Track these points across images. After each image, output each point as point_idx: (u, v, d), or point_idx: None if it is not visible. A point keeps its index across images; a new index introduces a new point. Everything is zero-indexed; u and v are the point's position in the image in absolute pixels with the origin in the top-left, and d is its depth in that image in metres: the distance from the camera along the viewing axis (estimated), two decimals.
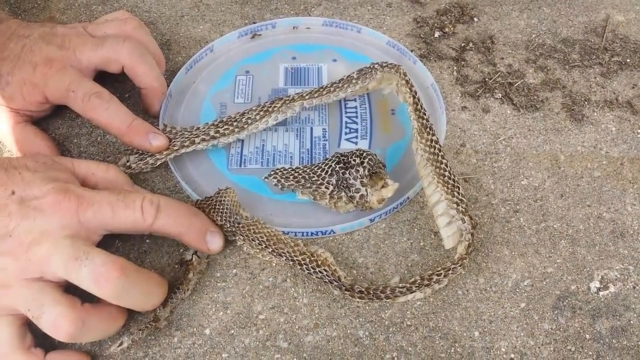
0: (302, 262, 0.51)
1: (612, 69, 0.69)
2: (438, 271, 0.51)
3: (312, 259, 0.51)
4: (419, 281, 0.51)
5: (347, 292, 0.50)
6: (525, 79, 0.68)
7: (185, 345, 0.49)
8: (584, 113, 0.65)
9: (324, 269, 0.50)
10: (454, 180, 0.53)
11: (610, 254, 0.55)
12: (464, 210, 0.52)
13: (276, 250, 0.51)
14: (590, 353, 0.49)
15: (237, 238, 0.53)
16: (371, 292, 0.51)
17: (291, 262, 0.51)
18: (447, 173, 0.53)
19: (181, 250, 0.54)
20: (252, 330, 0.50)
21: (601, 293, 0.52)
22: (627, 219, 0.57)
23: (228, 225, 0.53)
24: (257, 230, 0.52)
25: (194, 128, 0.59)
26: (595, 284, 0.53)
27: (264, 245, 0.52)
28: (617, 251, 0.55)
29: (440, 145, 0.55)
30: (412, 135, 0.56)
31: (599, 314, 0.51)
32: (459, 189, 0.53)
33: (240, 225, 0.53)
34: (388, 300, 0.51)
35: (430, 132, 0.55)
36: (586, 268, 0.54)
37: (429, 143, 0.55)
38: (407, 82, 0.58)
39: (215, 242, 0.52)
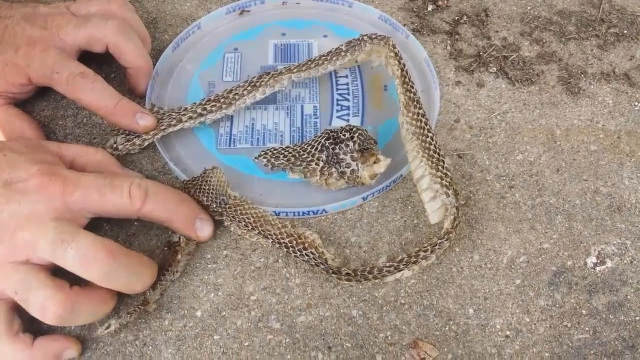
0: (289, 244, 0.50)
1: (609, 41, 0.68)
2: (424, 247, 0.50)
3: (299, 241, 0.50)
4: (406, 259, 0.50)
5: (334, 275, 0.49)
6: (521, 52, 0.67)
7: (176, 327, 0.49)
8: (580, 86, 0.64)
9: (311, 252, 0.50)
10: (438, 154, 0.52)
11: (607, 229, 0.54)
12: (447, 184, 0.51)
13: (263, 232, 0.51)
14: (587, 329, 0.49)
15: (224, 218, 0.52)
16: (358, 273, 0.50)
17: (278, 245, 0.50)
18: (432, 147, 0.52)
19: (170, 232, 0.53)
20: (244, 311, 0.49)
21: (598, 268, 0.52)
22: (624, 193, 0.56)
23: (215, 206, 0.52)
24: (244, 211, 0.51)
25: (181, 108, 0.58)
26: (591, 259, 0.52)
27: (251, 226, 0.51)
28: (614, 226, 0.54)
29: (427, 119, 0.54)
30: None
31: (596, 290, 0.50)
32: (443, 163, 0.52)
33: (227, 205, 0.52)
34: (376, 280, 0.50)
35: (417, 105, 0.54)
36: (583, 243, 0.53)
37: (415, 117, 0.54)
38: (396, 54, 0.57)
39: (204, 230, 0.51)
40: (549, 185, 0.56)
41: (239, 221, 0.51)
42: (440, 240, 0.50)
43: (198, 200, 0.52)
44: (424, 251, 0.50)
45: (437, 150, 0.53)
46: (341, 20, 0.69)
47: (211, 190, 0.52)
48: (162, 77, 0.64)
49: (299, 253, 0.50)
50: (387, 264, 0.50)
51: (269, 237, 0.50)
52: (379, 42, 0.58)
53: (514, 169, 0.57)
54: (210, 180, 0.52)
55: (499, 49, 0.67)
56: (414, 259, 0.50)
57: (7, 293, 0.44)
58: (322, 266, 0.49)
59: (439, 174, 0.52)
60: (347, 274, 0.50)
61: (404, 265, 0.50)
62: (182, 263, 0.51)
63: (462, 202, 0.55)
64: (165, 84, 0.63)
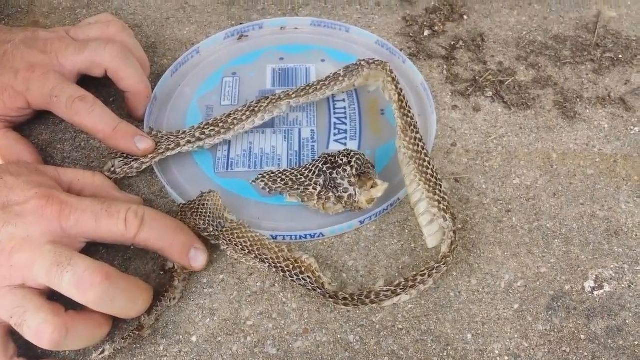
0: (286, 268, 0.50)
1: (604, 65, 0.68)
2: (422, 271, 0.50)
3: (296, 265, 0.50)
4: (403, 283, 0.50)
5: (331, 300, 0.49)
6: (516, 76, 0.67)
7: (171, 353, 0.48)
8: (576, 110, 0.64)
9: (308, 276, 0.49)
10: (436, 178, 0.52)
11: (604, 253, 0.54)
12: (445, 208, 0.51)
13: (259, 256, 0.50)
14: (586, 354, 0.48)
15: (220, 242, 0.51)
16: (355, 298, 0.49)
17: (274, 269, 0.50)
18: (429, 171, 0.53)
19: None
20: (240, 336, 0.49)
21: (596, 293, 0.51)
22: (621, 217, 0.56)
23: (211, 229, 0.51)
24: (241, 235, 0.51)
25: (179, 132, 0.58)
26: (589, 284, 0.52)
27: (248, 250, 0.51)
28: (612, 250, 0.54)
29: (424, 144, 0.54)
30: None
31: (594, 314, 0.50)
32: (440, 187, 0.52)
33: (224, 229, 0.52)
34: (373, 305, 0.50)
35: (415, 129, 0.55)
36: (580, 267, 0.53)
37: (412, 141, 0.54)
38: (393, 79, 0.58)
39: (198, 259, 0.51)
40: (546, 209, 0.56)
41: (235, 245, 0.51)
42: (437, 265, 0.50)
43: (195, 224, 0.52)
44: (422, 275, 0.50)
45: (435, 175, 0.53)
46: (339, 45, 0.69)
47: (208, 214, 0.52)
48: (161, 101, 0.64)
49: (295, 277, 0.50)
50: (385, 289, 0.50)
51: (266, 261, 0.50)
52: (376, 67, 0.59)
53: (511, 193, 0.57)
54: (207, 204, 0.52)
55: (495, 73, 0.67)
56: (412, 283, 0.50)
57: (2, 317, 0.44)
58: (319, 291, 0.49)
59: (437, 197, 0.52)
60: (344, 298, 0.49)
61: (401, 289, 0.50)
62: (179, 289, 0.50)
63: (460, 226, 0.55)
64: (164, 108, 0.64)
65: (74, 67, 0.59)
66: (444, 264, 0.50)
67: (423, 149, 0.54)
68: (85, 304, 0.44)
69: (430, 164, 0.53)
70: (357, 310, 0.50)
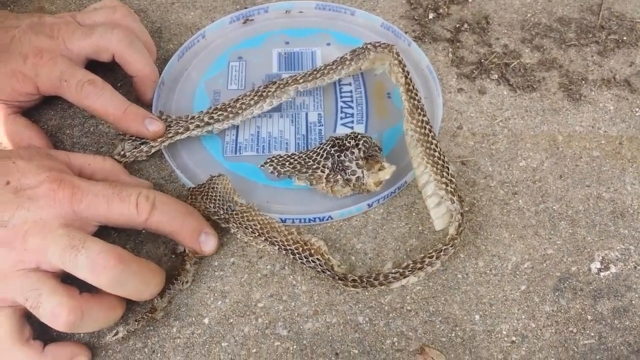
0: (295, 251, 0.50)
1: (609, 47, 0.68)
2: (429, 254, 0.51)
3: (305, 247, 0.50)
4: (411, 265, 0.51)
5: (340, 282, 0.50)
6: (522, 59, 0.67)
7: (184, 335, 0.49)
8: (582, 92, 0.64)
9: (317, 258, 0.50)
10: (443, 161, 0.53)
11: (610, 234, 0.54)
12: (452, 190, 0.52)
13: (269, 239, 0.51)
14: (592, 334, 0.49)
15: (230, 225, 0.52)
16: (364, 280, 0.50)
17: (284, 252, 0.51)
18: (436, 153, 0.53)
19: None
20: (251, 318, 0.50)
21: (602, 274, 0.52)
22: (627, 199, 0.56)
23: (221, 213, 0.52)
24: (250, 218, 0.52)
25: (188, 117, 0.58)
26: (595, 265, 0.52)
27: (258, 233, 0.51)
28: (618, 231, 0.54)
29: (431, 126, 0.54)
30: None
31: (600, 295, 0.51)
32: (448, 169, 0.53)
33: (234, 212, 0.52)
34: (382, 287, 0.50)
35: (422, 112, 0.55)
36: (586, 249, 0.53)
37: (419, 124, 0.54)
38: (400, 62, 0.58)
39: (208, 244, 0.51)
40: (552, 191, 0.57)
41: (245, 228, 0.51)
42: (445, 247, 0.51)
43: (205, 207, 0.52)
44: (429, 257, 0.51)
45: (442, 157, 0.53)
46: (344, 28, 0.70)
47: (217, 197, 0.53)
48: (169, 85, 0.64)
49: (305, 260, 0.50)
50: (393, 271, 0.51)
51: (276, 244, 0.51)
52: (382, 50, 0.59)
53: (517, 175, 0.58)
54: (216, 187, 0.53)
55: (500, 56, 0.68)
56: (419, 265, 0.51)
57: (17, 300, 0.45)
58: (329, 273, 0.50)
59: (444, 180, 0.52)
60: (353, 280, 0.50)
61: (409, 271, 0.50)
62: (191, 272, 0.51)
63: (467, 209, 0.55)
64: (171, 92, 0.64)
65: (82, 52, 0.59)
66: (451, 246, 0.51)
67: (430, 131, 0.54)
68: (99, 286, 0.45)
69: (437, 147, 0.53)
70: (366, 292, 0.51)
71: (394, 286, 0.51)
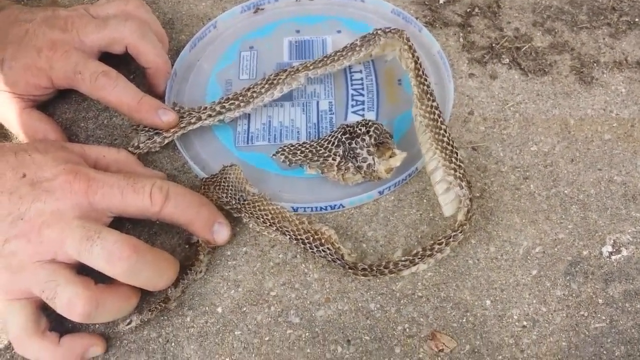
0: (306, 240, 0.51)
1: (621, 29, 0.68)
2: (439, 240, 0.51)
3: (316, 237, 0.51)
4: (421, 252, 0.51)
5: (350, 270, 0.50)
6: (533, 42, 0.67)
7: (197, 324, 0.50)
8: (593, 75, 0.64)
9: (328, 248, 0.50)
10: (452, 146, 0.53)
11: (622, 218, 0.54)
12: (461, 176, 0.52)
13: (280, 229, 0.51)
14: (604, 317, 0.49)
15: (243, 215, 0.53)
16: (374, 268, 0.51)
17: (295, 241, 0.51)
18: (445, 139, 0.53)
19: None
20: (264, 306, 0.50)
21: (613, 257, 0.52)
22: (638, 182, 0.56)
23: (234, 202, 0.53)
24: (262, 208, 0.52)
25: (201, 108, 0.59)
26: (607, 249, 0.53)
27: (269, 223, 0.52)
28: (629, 214, 0.54)
29: (440, 112, 0.55)
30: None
31: (612, 278, 0.51)
32: (457, 155, 0.53)
33: (246, 202, 0.53)
34: (392, 274, 0.51)
35: (431, 98, 0.55)
36: (598, 233, 0.53)
37: (429, 109, 0.55)
38: (410, 47, 0.58)
39: (222, 234, 0.52)
40: (563, 175, 0.57)
41: (257, 217, 0.52)
42: (454, 233, 0.51)
43: (217, 197, 0.53)
44: (439, 244, 0.51)
45: (451, 142, 0.53)
46: (354, 15, 0.70)
47: (230, 187, 0.53)
48: (181, 76, 0.65)
49: (315, 249, 0.51)
50: (403, 258, 0.51)
51: (287, 233, 0.51)
52: (392, 36, 0.59)
53: (529, 160, 0.58)
54: (228, 177, 0.54)
55: (512, 40, 0.67)
56: (429, 252, 0.51)
57: (34, 291, 0.46)
58: (339, 262, 0.50)
59: (453, 165, 0.52)
60: (364, 269, 0.50)
61: (419, 258, 0.51)
62: (204, 262, 0.52)
63: (477, 195, 0.55)
64: (184, 83, 0.64)
65: (95, 44, 0.60)
66: (460, 232, 0.51)
67: (439, 117, 0.54)
68: (114, 277, 0.45)
69: (446, 132, 0.53)
70: (378, 280, 0.51)
71: (404, 274, 0.51)
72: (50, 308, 0.46)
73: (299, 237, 0.51)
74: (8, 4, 0.62)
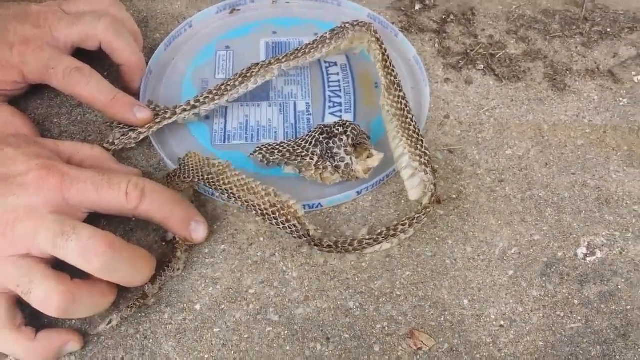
0: (272, 215, 0.50)
1: (593, 39, 0.69)
2: (403, 221, 0.52)
3: (282, 212, 0.50)
4: (385, 232, 0.52)
5: (316, 247, 0.51)
6: (507, 49, 0.68)
7: (176, 321, 0.49)
8: (566, 82, 0.65)
9: (294, 224, 0.50)
10: (417, 134, 0.54)
11: (595, 221, 0.55)
12: (426, 162, 0.53)
13: (246, 203, 0.51)
14: (579, 318, 0.50)
15: (210, 189, 0.53)
16: (339, 245, 0.51)
17: (261, 216, 0.51)
18: (411, 127, 0.54)
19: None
20: (243, 304, 0.50)
21: (588, 259, 0.53)
22: (611, 186, 0.57)
23: (197, 180, 0.52)
24: (226, 180, 0.52)
25: (176, 106, 0.58)
26: (582, 250, 0.53)
27: (235, 197, 0.51)
28: (603, 217, 0.55)
29: (407, 102, 0.56)
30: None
31: (587, 280, 0.52)
32: (422, 142, 0.54)
33: (210, 175, 0.52)
34: (356, 252, 0.52)
35: (398, 88, 0.57)
36: (572, 235, 0.54)
37: (396, 99, 0.56)
38: (378, 39, 0.60)
39: (199, 232, 0.52)
40: (538, 179, 0.57)
41: (222, 192, 0.52)
42: (418, 215, 0.52)
43: (182, 181, 0.52)
44: (402, 225, 0.52)
45: (417, 131, 0.54)
46: (330, 19, 0.70)
47: (191, 169, 0.52)
48: (156, 74, 0.64)
49: (282, 225, 0.50)
50: (367, 237, 0.51)
51: (253, 208, 0.51)
52: (360, 29, 0.61)
53: (504, 163, 0.58)
54: (188, 162, 0.53)
55: (486, 46, 0.68)
56: (393, 232, 0.52)
57: (8, 286, 0.45)
58: (305, 238, 0.50)
59: (418, 152, 0.53)
60: (329, 245, 0.51)
61: (383, 237, 0.51)
62: (182, 260, 0.51)
63: (454, 196, 0.56)
64: (159, 81, 0.64)
65: (68, 40, 0.59)
66: (424, 215, 0.52)
67: (406, 106, 0.55)
68: (90, 272, 0.44)
69: (412, 121, 0.55)
70: (357, 278, 0.51)
71: (368, 251, 0.52)
72: (27, 303, 0.44)
73: (265, 212, 0.51)
74: None
